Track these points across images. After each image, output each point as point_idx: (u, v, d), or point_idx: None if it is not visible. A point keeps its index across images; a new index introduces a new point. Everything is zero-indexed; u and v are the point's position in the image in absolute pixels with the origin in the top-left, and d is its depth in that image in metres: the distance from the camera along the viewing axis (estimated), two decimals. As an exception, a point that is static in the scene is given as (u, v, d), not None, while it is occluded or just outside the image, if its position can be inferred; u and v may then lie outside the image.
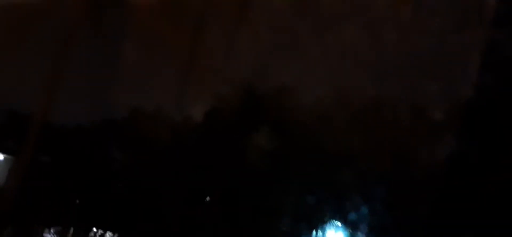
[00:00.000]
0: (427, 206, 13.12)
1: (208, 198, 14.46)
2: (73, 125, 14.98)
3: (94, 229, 14.92)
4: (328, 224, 14.11)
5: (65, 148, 14.87)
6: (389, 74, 13.31)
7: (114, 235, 14.81)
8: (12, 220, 14.42)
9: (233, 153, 13.42)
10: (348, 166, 13.34)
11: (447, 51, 13.02)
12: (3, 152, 15.66)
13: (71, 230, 14.85)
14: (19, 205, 14.16)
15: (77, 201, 15.03)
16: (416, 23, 13.61)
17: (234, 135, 13.67)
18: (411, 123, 13.64)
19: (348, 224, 13.46)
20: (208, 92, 14.25)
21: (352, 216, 13.74)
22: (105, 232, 14.90)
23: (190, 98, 14.43)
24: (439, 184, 13.31)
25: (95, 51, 14.63)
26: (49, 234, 15.18)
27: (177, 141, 14.29)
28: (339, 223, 14.04)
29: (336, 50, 13.91)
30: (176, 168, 13.71)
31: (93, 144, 14.83)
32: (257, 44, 14.18)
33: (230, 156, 13.32)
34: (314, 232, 13.98)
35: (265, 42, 14.25)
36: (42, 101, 14.93)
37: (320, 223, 13.68)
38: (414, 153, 13.75)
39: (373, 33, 13.70)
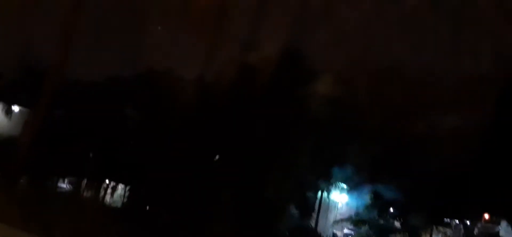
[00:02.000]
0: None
1: (217, 157, 14.83)
2: (89, 80, 15.27)
3: (107, 181, 15.37)
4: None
5: (80, 102, 15.16)
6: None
7: (126, 187, 15.25)
8: (28, 170, 14.81)
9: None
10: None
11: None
12: (19, 104, 16.04)
13: (84, 181, 15.27)
14: (34, 155, 14.50)
15: (91, 154, 15.43)
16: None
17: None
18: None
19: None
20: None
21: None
22: (117, 185, 15.37)
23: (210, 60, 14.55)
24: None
25: (113, 6, 14.75)
26: (64, 184, 15.68)
27: (197, 100, 14.53)
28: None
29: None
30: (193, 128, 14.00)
31: (108, 100, 15.12)
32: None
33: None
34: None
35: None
36: (58, 56, 15.14)
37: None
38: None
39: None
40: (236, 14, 14.36)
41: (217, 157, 14.79)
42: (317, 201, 15.01)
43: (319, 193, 15.16)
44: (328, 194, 15.11)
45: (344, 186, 14.81)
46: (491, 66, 13.78)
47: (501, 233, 16.58)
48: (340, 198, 15.26)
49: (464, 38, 13.81)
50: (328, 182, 14.93)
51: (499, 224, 16.72)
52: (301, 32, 14.47)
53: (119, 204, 15.23)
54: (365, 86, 14.35)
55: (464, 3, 13.30)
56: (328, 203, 15.27)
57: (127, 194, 15.31)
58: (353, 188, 14.74)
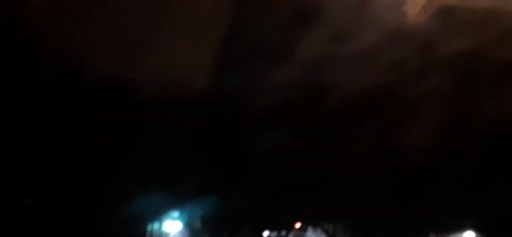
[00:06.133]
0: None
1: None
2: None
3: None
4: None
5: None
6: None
7: None
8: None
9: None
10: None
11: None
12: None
13: None
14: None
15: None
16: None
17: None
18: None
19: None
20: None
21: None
22: None
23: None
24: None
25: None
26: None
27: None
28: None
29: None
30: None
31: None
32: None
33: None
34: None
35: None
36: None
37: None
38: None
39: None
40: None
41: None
42: (148, 234, 14.00)
43: (148, 225, 14.19)
44: (159, 224, 14.30)
45: (176, 213, 14.30)
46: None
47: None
48: (172, 227, 14.64)
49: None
50: (157, 212, 14.11)
51: (306, 230, 19.26)
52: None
53: None
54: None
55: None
56: (160, 234, 14.45)
57: None
58: (184, 215, 14.37)
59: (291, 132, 14.37)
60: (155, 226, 14.12)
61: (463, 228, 16.00)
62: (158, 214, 13.90)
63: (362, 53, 12.80)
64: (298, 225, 18.69)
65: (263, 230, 17.98)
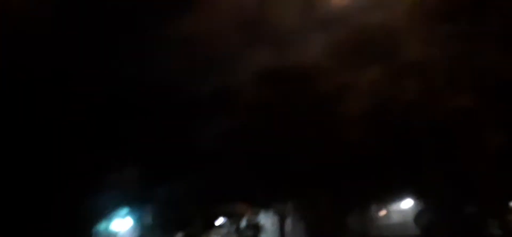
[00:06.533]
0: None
1: None
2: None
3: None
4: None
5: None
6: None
7: None
8: None
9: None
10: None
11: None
12: None
13: None
14: None
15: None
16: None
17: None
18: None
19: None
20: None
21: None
22: None
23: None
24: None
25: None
26: None
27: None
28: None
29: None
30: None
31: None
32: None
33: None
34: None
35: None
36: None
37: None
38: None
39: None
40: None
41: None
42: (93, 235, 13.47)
43: (94, 226, 13.66)
44: (107, 224, 13.80)
45: (125, 211, 13.87)
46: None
47: (261, 221, 19.49)
48: (121, 226, 14.19)
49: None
50: (102, 211, 13.62)
51: (258, 214, 19.56)
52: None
53: None
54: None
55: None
56: (108, 234, 13.96)
57: None
58: (133, 211, 13.99)
59: (236, 119, 14.45)
60: (102, 226, 13.60)
61: (402, 197, 16.96)
62: (104, 213, 13.39)
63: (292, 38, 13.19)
64: (249, 210, 18.93)
65: (216, 218, 17.98)
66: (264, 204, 18.34)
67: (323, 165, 14.26)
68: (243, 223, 19.82)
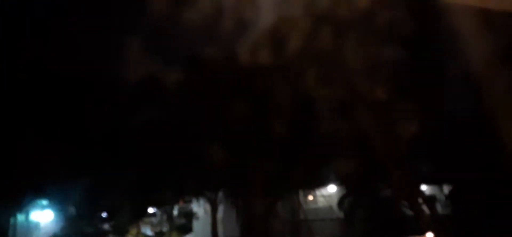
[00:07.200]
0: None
1: None
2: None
3: None
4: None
5: None
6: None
7: None
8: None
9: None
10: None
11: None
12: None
13: None
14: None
15: None
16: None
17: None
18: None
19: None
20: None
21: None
22: None
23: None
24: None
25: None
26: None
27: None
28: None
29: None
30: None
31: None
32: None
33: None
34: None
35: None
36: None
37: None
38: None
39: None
40: None
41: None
42: (11, 227, 12.83)
43: (11, 217, 13.02)
44: (26, 215, 13.21)
45: (45, 202, 13.33)
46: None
47: (194, 208, 19.66)
48: (42, 217, 13.65)
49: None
50: (20, 202, 13.01)
51: (191, 202, 19.67)
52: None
53: None
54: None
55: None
56: (28, 226, 13.37)
57: None
58: (56, 202, 13.48)
59: (165, 108, 14.39)
60: (20, 217, 12.99)
61: (326, 183, 17.92)
62: (22, 203, 12.79)
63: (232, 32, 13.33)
64: (181, 201, 19.01)
65: (146, 208, 17.81)
66: (195, 192, 18.47)
67: (252, 153, 14.62)
68: (175, 211, 19.86)
